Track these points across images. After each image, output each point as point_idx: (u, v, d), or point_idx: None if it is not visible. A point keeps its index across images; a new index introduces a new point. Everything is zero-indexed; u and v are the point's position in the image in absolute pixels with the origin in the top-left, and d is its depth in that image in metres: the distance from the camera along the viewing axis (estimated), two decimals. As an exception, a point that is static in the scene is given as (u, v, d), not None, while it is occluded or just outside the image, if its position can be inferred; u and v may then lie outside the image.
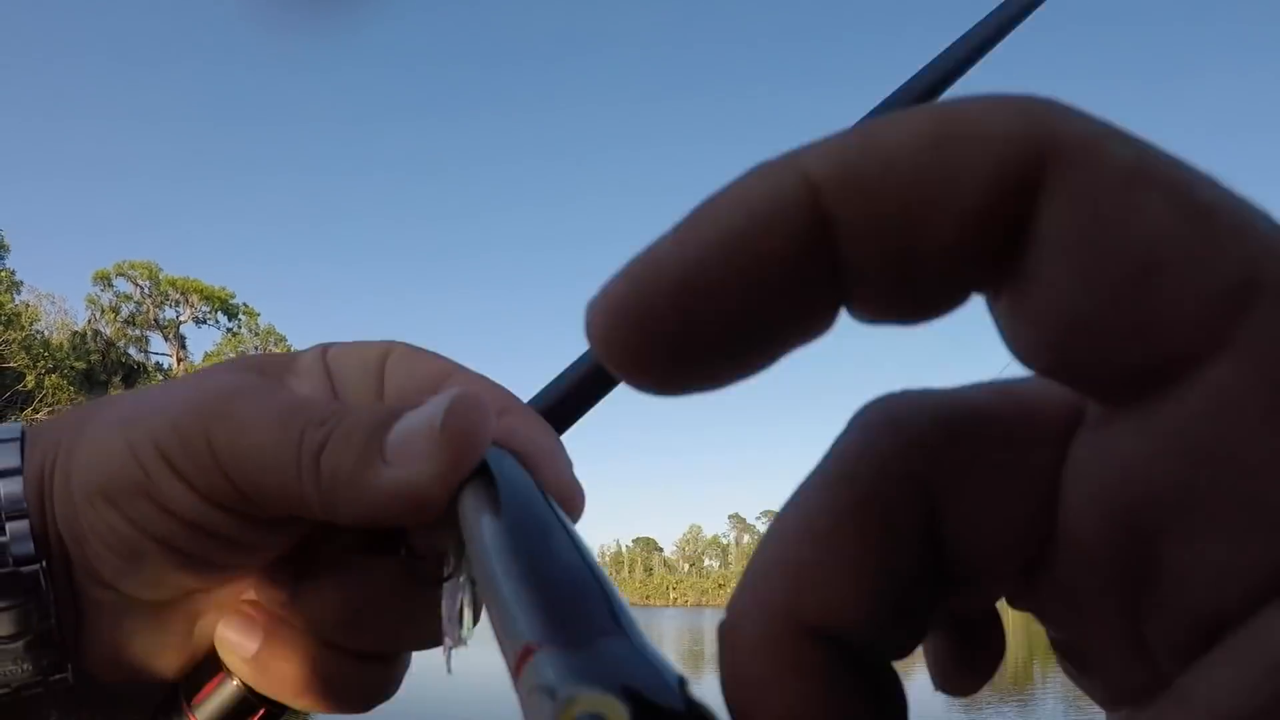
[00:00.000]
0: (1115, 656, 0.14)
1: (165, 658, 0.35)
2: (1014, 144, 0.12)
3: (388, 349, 0.34)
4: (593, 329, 0.14)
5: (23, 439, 0.33)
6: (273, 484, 0.29)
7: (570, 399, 0.35)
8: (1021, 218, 0.12)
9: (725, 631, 0.15)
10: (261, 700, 0.34)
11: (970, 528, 0.15)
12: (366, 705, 0.34)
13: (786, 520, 0.15)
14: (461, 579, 0.29)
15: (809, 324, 0.14)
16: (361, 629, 0.33)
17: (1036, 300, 0.12)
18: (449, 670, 0.30)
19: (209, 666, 0.35)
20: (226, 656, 0.34)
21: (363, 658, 0.33)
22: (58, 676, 0.33)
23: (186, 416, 0.30)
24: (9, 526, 0.31)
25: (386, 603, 0.33)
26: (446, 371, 0.33)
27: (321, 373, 0.34)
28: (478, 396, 0.28)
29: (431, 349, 0.34)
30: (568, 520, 0.23)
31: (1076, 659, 0.16)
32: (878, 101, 0.39)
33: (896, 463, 0.14)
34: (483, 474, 0.26)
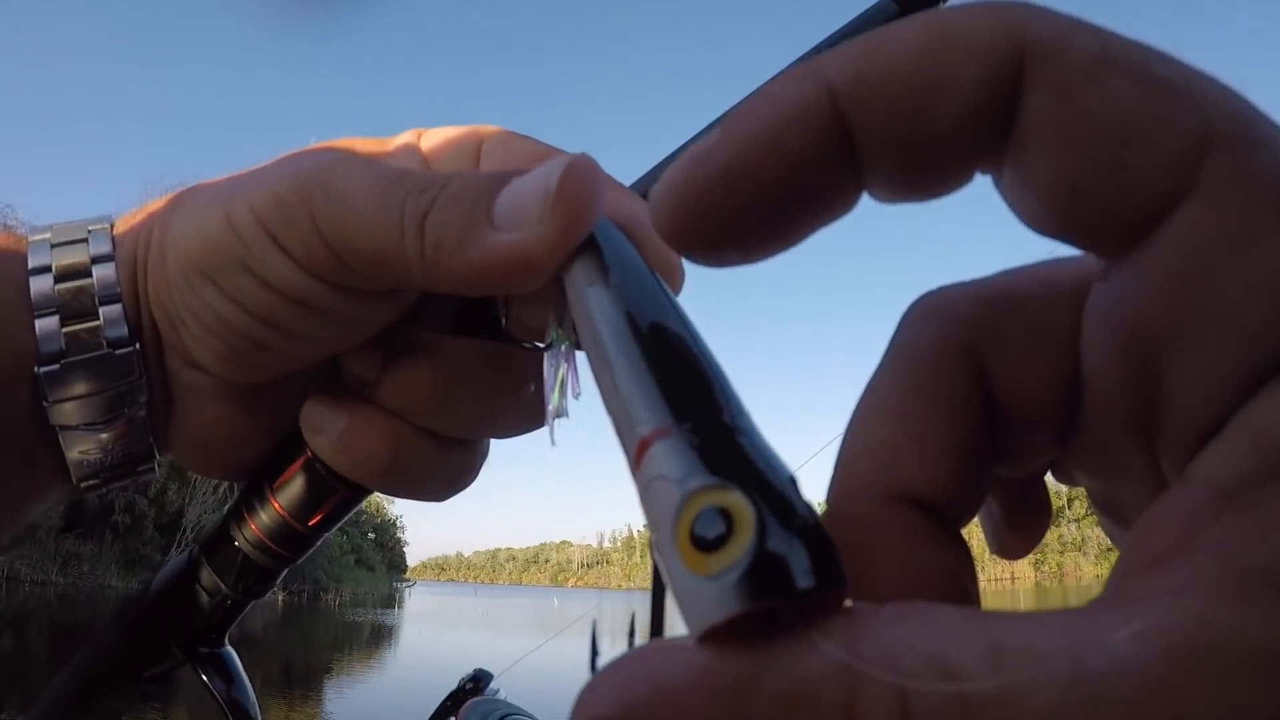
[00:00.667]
0: (1143, 496, 0.16)
1: (251, 444, 0.35)
2: (995, 48, 0.14)
3: (483, 131, 0.34)
4: (655, 210, 0.17)
5: (111, 226, 0.33)
6: (374, 250, 0.28)
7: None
8: (1008, 106, 0.15)
9: (829, 517, 0.16)
10: (342, 482, 0.34)
11: (1015, 388, 0.17)
12: (447, 492, 0.35)
13: (864, 408, 0.17)
14: (564, 348, 0.28)
15: (834, 204, 0.17)
16: (448, 412, 0.32)
17: (1032, 174, 0.15)
18: (553, 442, 0.28)
19: (292, 449, 0.35)
20: (310, 437, 0.33)
21: (446, 442, 0.33)
22: (145, 468, 0.34)
23: (286, 187, 0.29)
24: (103, 311, 0.31)
25: (475, 386, 0.32)
26: (545, 152, 0.32)
27: (416, 155, 0.34)
28: (591, 162, 0.27)
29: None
30: (676, 299, 0.21)
31: (1112, 511, 0.19)
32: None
33: (949, 340, 0.17)
34: (590, 247, 0.25)
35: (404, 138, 0.35)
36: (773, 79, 0.17)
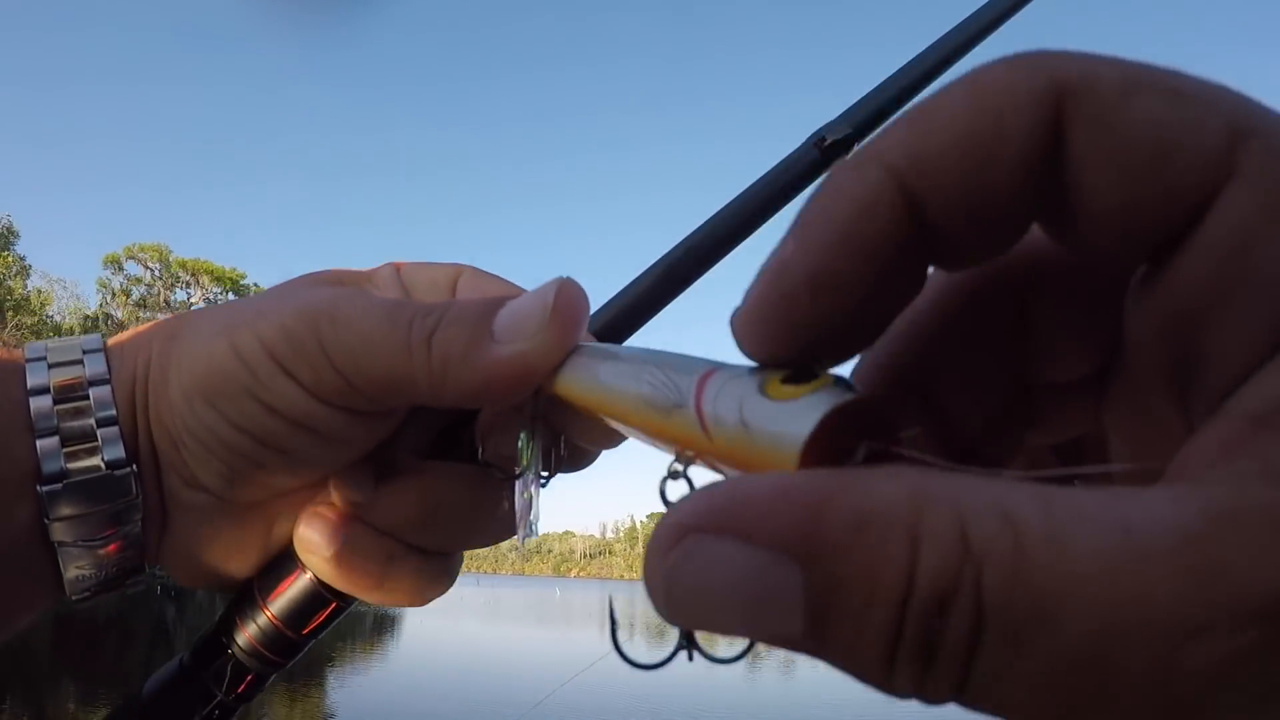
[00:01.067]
0: (1171, 448, 0.17)
1: (243, 559, 0.37)
2: (1033, 95, 0.16)
3: (459, 269, 0.38)
4: (741, 329, 0.19)
5: (106, 349, 0.34)
6: (383, 371, 0.31)
7: (626, 314, 0.40)
8: (1056, 146, 0.16)
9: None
10: (336, 595, 0.37)
11: (1057, 353, 0.21)
12: (431, 597, 0.38)
13: None
14: (531, 475, 0.32)
15: (910, 286, 0.18)
16: (435, 528, 0.36)
17: (1088, 198, 0.16)
18: (521, 545, 0.34)
19: (283, 564, 0.37)
20: (305, 555, 0.36)
21: (430, 554, 0.37)
22: (134, 580, 0.35)
23: (292, 318, 0.32)
24: (100, 432, 0.33)
25: (457, 507, 0.36)
26: (516, 290, 0.36)
27: (399, 286, 0.37)
28: (577, 283, 0.31)
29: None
30: None
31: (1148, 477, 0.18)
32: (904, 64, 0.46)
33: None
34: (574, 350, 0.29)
35: (384, 270, 0.38)
36: (829, 174, 0.17)
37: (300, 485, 0.36)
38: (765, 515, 0.15)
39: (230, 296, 37.59)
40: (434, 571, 0.37)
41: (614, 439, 0.34)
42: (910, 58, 0.46)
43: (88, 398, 0.33)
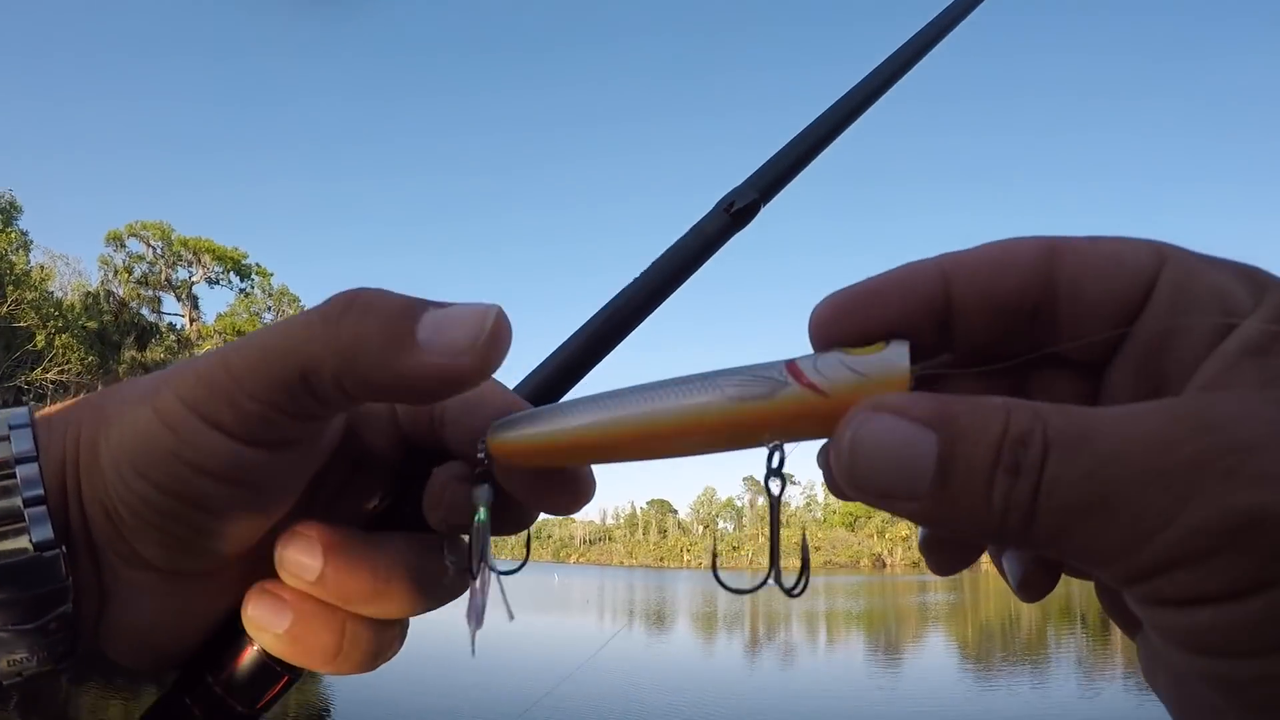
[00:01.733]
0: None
1: (187, 636, 0.37)
2: (1138, 274, 0.29)
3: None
4: (818, 312, 0.31)
5: (33, 424, 0.33)
6: (288, 365, 0.30)
7: (554, 379, 0.42)
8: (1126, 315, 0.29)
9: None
10: (288, 669, 0.37)
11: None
12: (383, 662, 0.38)
13: None
14: (483, 572, 0.34)
15: (926, 335, 0.30)
16: (386, 599, 0.36)
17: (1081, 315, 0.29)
18: (474, 654, 0.34)
19: (232, 639, 0.37)
20: (256, 633, 0.36)
21: (379, 623, 0.37)
22: (66, 663, 0.34)
23: (204, 362, 0.32)
24: (28, 512, 0.32)
25: (406, 574, 0.36)
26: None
27: None
28: (508, 318, 0.32)
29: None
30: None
31: None
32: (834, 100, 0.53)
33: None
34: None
35: None
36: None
37: (240, 549, 0.35)
38: (914, 402, 0.25)
39: (233, 276, 37.58)
40: (386, 639, 0.37)
41: (577, 503, 0.36)
42: (804, 126, 0.51)
43: (14, 476, 0.32)
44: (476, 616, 0.33)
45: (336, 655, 0.36)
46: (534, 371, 0.42)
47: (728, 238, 0.47)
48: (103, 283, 34.78)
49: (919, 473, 0.24)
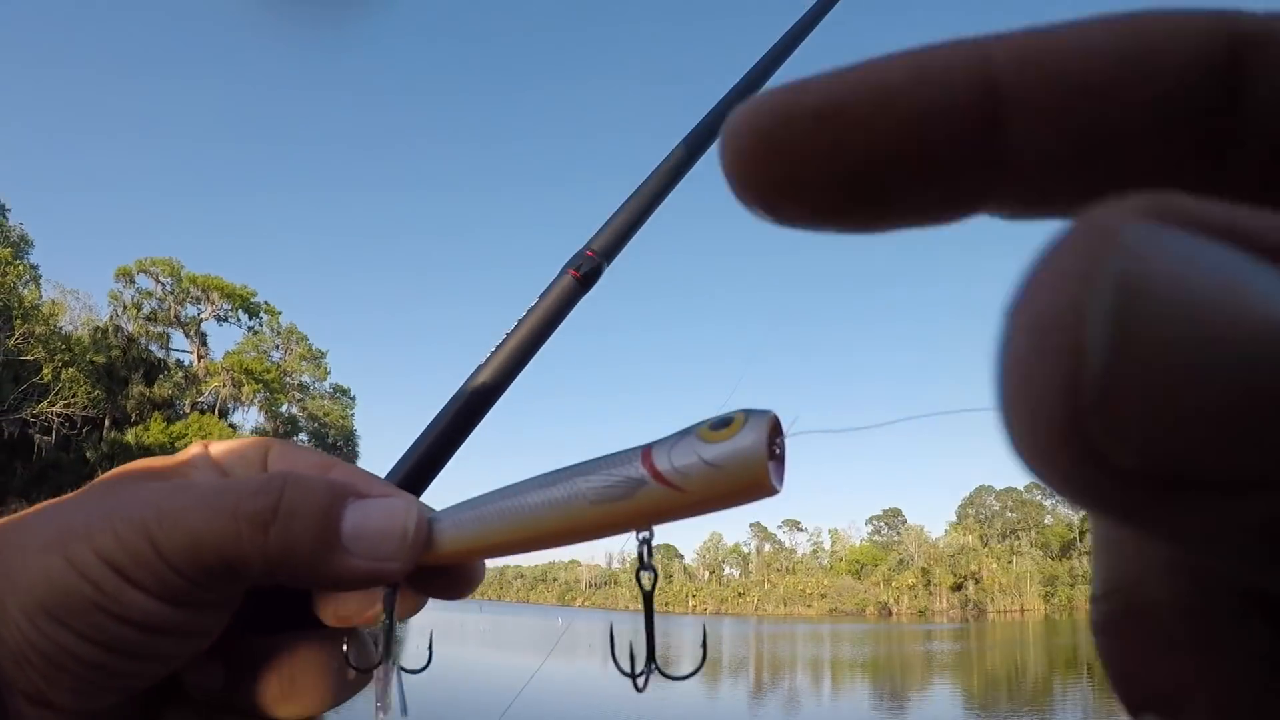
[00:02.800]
0: None
1: None
2: (1205, 38, 0.12)
3: (267, 444, 0.39)
4: (727, 136, 0.14)
5: None
6: (219, 561, 0.31)
7: (423, 463, 0.43)
8: (1227, 94, 0.12)
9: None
10: None
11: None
12: None
13: None
14: (391, 663, 0.35)
15: (946, 198, 0.14)
16: (296, 699, 0.37)
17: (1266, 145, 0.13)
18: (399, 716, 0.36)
19: None
20: None
21: None
22: None
23: (124, 527, 0.31)
24: None
25: (312, 671, 0.37)
26: (329, 462, 0.38)
27: (213, 469, 0.38)
28: (425, 510, 0.33)
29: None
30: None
31: None
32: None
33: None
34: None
35: (192, 450, 0.39)
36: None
37: (156, 681, 0.35)
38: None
39: (241, 314, 37.80)
40: None
41: (473, 584, 0.37)
42: (636, 185, 0.51)
43: None
44: (386, 709, 0.35)
45: None
46: (400, 460, 0.42)
47: (576, 301, 0.47)
48: (112, 318, 35.03)
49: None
